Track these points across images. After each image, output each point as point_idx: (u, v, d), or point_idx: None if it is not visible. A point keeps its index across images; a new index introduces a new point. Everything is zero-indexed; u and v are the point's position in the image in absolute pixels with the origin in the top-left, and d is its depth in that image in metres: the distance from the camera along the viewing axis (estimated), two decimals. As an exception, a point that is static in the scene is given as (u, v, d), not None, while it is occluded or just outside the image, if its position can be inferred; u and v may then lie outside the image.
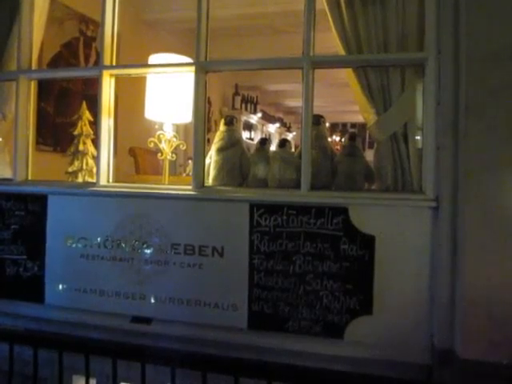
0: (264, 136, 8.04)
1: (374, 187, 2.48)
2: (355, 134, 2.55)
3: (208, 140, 2.59)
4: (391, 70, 2.26)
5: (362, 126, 9.24)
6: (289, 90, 7.61)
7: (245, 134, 7.54)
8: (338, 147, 8.53)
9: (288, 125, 9.66)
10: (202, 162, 2.43)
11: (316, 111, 2.37)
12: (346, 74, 2.35)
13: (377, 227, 2.13)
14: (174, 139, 2.80)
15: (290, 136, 8.98)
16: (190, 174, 2.47)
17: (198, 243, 2.34)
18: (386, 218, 2.12)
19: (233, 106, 7.10)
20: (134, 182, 2.69)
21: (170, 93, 2.74)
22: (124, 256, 2.46)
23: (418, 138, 2.27)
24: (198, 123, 2.42)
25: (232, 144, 2.55)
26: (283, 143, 2.55)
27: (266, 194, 2.33)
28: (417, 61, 2.21)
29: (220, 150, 2.55)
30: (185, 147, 2.85)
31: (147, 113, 2.84)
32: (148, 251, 2.42)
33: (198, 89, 2.42)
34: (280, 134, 8.77)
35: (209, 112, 5.78)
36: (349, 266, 2.16)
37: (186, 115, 2.80)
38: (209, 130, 3.81)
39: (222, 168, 2.52)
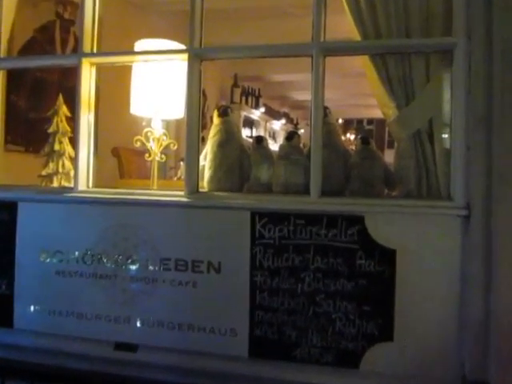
0: (266, 133, 8.07)
1: (394, 193, 2.49)
2: (368, 137, 2.55)
3: (203, 138, 2.60)
4: (414, 58, 2.27)
5: (381, 123, 9.29)
6: (296, 81, 7.63)
7: (245, 132, 7.56)
8: (353, 147, 8.55)
9: (295, 121, 9.70)
10: (195, 164, 2.44)
11: (327, 105, 2.38)
12: (362, 63, 2.36)
13: (398, 239, 2.13)
14: (164, 138, 2.81)
15: (297, 133, 9.04)
16: (182, 177, 2.49)
17: (192, 258, 2.34)
18: (409, 229, 2.13)
19: (231, 99, 7.14)
20: (117, 188, 2.69)
21: (159, 84, 2.75)
22: (106, 273, 2.46)
23: (446, 135, 2.27)
24: (191, 119, 2.43)
25: (229, 138, 2.55)
26: (291, 135, 2.53)
27: (269, 201, 2.34)
28: (444, 46, 2.23)
29: (216, 147, 2.55)
30: (176, 147, 2.85)
31: (133, 107, 2.85)
32: (134, 267, 2.43)
33: (191, 80, 2.43)
34: (286, 131, 8.83)
35: (204, 106, 5.75)
36: (366, 285, 2.16)
37: (177, 110, 2.81)
38: (204, 127, 3.79)
39: (218, 168, 2.52)
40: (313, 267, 2.22)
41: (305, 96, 7.99)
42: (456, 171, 2.15)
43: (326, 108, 2.48)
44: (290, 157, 2.49)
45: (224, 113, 2.60)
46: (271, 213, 2.26)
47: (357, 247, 2.17)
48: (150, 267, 2.40)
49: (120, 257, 2.45)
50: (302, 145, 2.61)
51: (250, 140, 7.01)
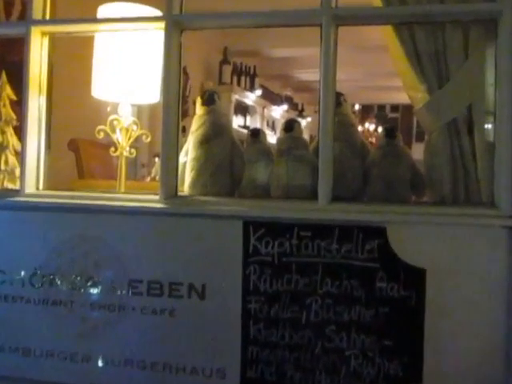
0: (264, 122, 8.07)
1: (424, 199, 2.50)
2: (393, 129, 2.56)
3: (184, 129, 2.59)
4: (449, 29, 2.28)
5: (407, 110, 9.30)
6: (301, 56, 7.61)
7: (237, 121, 7.55)
8: (373, 140, 8.58)
9: (300, 107, 9.71)
10: (173, 161, 2.44)
11: (340, 87, 2.38)
12: (384, 35, 2.37)
13: (429, 256, 2.14)
14: (134, 127, 2.80)
15: (302, 122, 9.00)
16: (157, 178, 2.51)
17: (169, 279, 2.34)
18: (442, 244, 2.13)
19: (220, 79, 7.14)
20: (75, 190, 2.69)
21: (128, 61, 2.75)
22: (60, 298, 2.45)
23: (489, 126, 2.28)
24: (168, 104, 2.42)
25: (216, 132, 2.57)
26: (290, 125, 2.55)
27: (267, 208, 2.34)
28: (486, 15, 2.23)
29: (200, 143, 2.56)
30: (150, 139, 2.85)
31: (95, 89, 2.85)
32: (95, 291, 2.42)
33: (169, 54, 2.43)
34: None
35: (185, 88, 5.78)
36: (388, 313, 2.16)
37: (151, 93, 2.81)
38: (185, 115, 3.81)
39: (203, 169, 2.53)
40: (321, 291, 2.21)
41: (312, 76, 7.90)
42: (501, 171, 2.15)
43: (339, 95, 2.50)
44: (292, 152, 2.50)
45: (210, 100, 2.62)
46: (269, 222, 2.26)
47: (377, 266, 2.17)
48: (116, 291, 2.39)
49: (78, 278, 2.44)
50: (307, 137, 2.62)
51: (243, 131, 7.07)
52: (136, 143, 2.85)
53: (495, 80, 2.20)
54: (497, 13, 2.17)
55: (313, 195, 2.31)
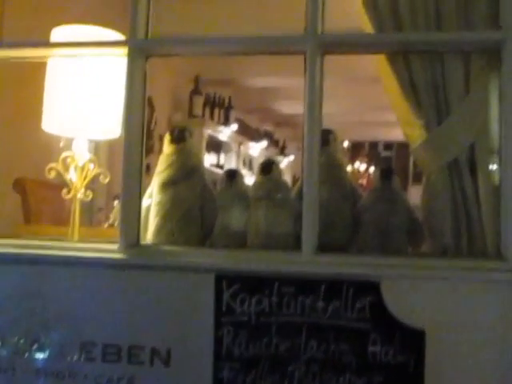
0: (240, 161, 8.08)
1: (422, 249, 2.53)
2: (391, 170, 2.61)
3: (148, 167, 2.63)
4: (448, 58, 2.33)
5: (403, 148, 9.40)
6: (282, 86, 7.71)
7: (210, 159, 7.57)
8: (364, 182, 8.64)
9: (281, 144, 9.78)
10: (136, 205, 2.44)
11: (327, 122, 2.41)
12: (377, 64, 2.41)
13: (428, 316, 2.14)
14: (91, 166, 2.80)
15: (283, 162, 9.05)
16: (116, 224, 2.55)
17: (128, 342, 2.32)
18: (444, 301, 2.14)
19: (190, 111, 7.18)
20: (20, 237, 2.68)
21: (85, 90, 2.76)
22: (0, 364, 2.41)
23: (494, 166, 2.32)
24: (130, 140, 2.44)
25: (186, 175, 2.59)
26: (268, 167, 2.59)
27: (243, 259, 2.34)
28: (489, 44, 2.29)
29: (166, 185, 2.57)
30: (108, 179, 2.84)
31: (46, 122, 2.85)
32: (41, 356, 2.38)
33: (132, 84, 2.44)
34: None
35: (150, 121, 5.80)
36: (382, 382, 2.14)
37: (111, 127, 2.82)
38: (149, 152, 3.76)
39: (169, 214, 2.53)
40: (305, 357, 2.20)
41: (295, 109, 7.97)
42: (508, 218, 2.17)
43: (328, 133, 2.54)
44: (272, 196, 2.52)
45: (180, 138, 2.64)
46: (245, 276, 2.26)
47: (369, 327, 2.16)
48: (66, 356, 2.36)
49: (21, 340, 2.40)
50: (289, 178, 2.65)
51: (216, 170, 7.08)
52: (92, 184, 2.86)
53: (500, 115, 2.24)
54: (501, 41, 2.23)
55: (296, 245, 2.32)
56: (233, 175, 2.70)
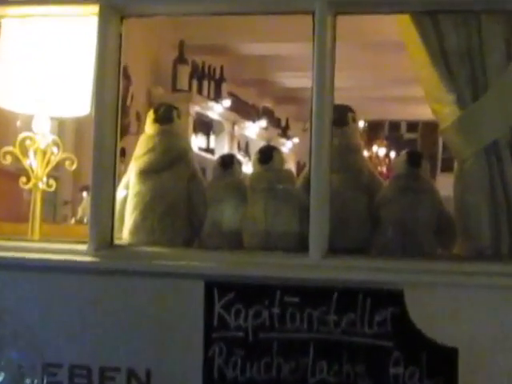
0: (234, 144, 7.83)
1: (454, 251, 2.43)
2: (419, 155, 2.51)
3: (123, 152, 2.53)
4: (486, 22, 2.19)
5: (430, 129, 9.14)
6: (284, 54, 7.51)
7: (198, 141, 7.29)
8: (384, 169, 8.41)
9: (283, 124, 9.52)
10: (108, 197, 2.35)
11: (340, 98, 2.33)
12: (400, 28, 2.30)
13: (461, 331, 2.02)
14: (55, 149, 2.69)
15: (286, 145, 8.78)
16: (86, 220, 2.46)
17: (100, 363, 2.20)
18: (480, 314, 2.02)
19: (174, 84, 6.95)
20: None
21: (47, 59, 2.62)
22: None
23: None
24: (102, 118, 2.35)
25: (171, 161, 2.51)
26: (267, 155, 2.51)
27: (238, 264, 2.24)
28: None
29: (147, 174, 2.49)
30: (75, 166, 2.72)
31: (0, 97, 2.71)
32: (-4, 379, 2.42)
33: (104, 49, 2.35)
34: (268, 141, 8.61)
35: (126, 95, 5.63)
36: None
37: (78, 102, 2.71)
38: (125, 132, 3.79)
39: (150, 208, 2.45)
40: (314, 380, 2.08)
41: (300, 81, 7.78)
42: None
43: (349, 110, 2.45)
44: (273, 188, 2.43)
45: (166, 117, 2.55)
46: (241, 284, 2.16)
47: (390, 345, 2.04)
48: (26, 379, 2.20)
49: (-29, 361, 2.42)
50: (293, 166, 2.49)
51: (205, 155, 6.82)
52: (56, 172, 2.80)
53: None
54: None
55: (301, 246, 2.23)
56: (228, 163, 2.60)
